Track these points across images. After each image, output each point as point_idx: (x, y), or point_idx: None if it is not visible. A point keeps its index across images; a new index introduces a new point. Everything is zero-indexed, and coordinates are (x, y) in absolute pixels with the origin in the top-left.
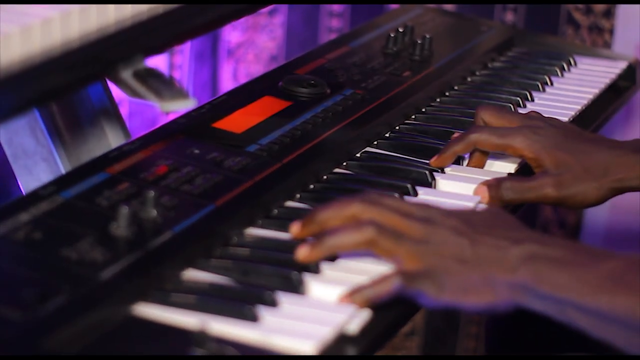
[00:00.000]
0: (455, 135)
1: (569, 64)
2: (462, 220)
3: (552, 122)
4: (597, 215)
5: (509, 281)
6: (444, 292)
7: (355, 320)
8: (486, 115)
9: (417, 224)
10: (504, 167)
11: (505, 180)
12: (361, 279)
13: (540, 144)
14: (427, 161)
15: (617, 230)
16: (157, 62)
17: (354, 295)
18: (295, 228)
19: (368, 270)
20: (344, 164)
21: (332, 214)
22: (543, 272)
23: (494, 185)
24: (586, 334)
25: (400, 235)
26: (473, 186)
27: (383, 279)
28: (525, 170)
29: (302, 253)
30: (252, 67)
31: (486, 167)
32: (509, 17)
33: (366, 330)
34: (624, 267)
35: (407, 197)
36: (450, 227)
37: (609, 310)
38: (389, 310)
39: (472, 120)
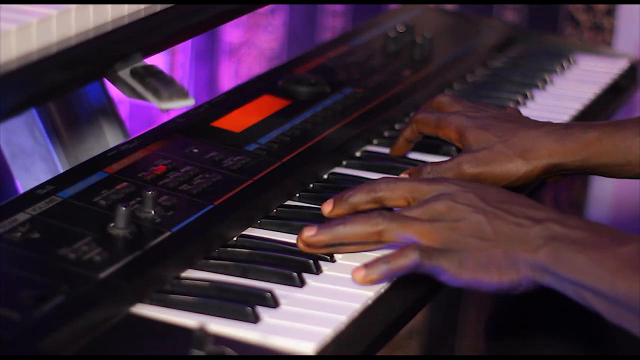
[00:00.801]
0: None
1: (570, 62)
2: (479, 196)
3: (490, 108)
4: (600, 212)
5: (531, 260)
6: (464, 269)
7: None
8: (438, 100)
9: (432, 204)
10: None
11: (424, 166)
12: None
13: (466, 123)
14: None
15: (619, 227)
16: (158, 61)
17: (369, 268)
18: (327, 207)
19: None
20: (344, 163)
21: (363, 197)
22: (562, 253)
23: (416, 172)
24: (602, 319)
25: (411, 217)
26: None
27: (400, 252)
28: None
29: (308, 234)
30: (252, 66)
31: None
32: (509, 16)
33: (366, 330)
34: None
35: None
36: (467, 203)
37: (625, 297)
38: (389, 311)
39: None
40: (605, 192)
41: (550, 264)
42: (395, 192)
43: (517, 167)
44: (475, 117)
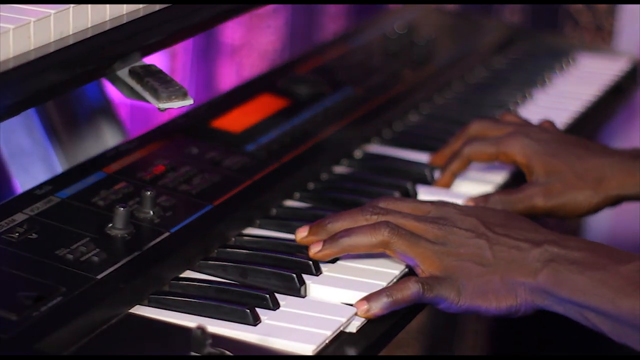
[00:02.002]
0: (447, 150)
1: (570, 62)
2: (479, 220)
3: (545, 127)
4: (599, 224)
5: (530, 284)
6: (462, 296)
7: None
8: (476, 128)
9: (433, 226)
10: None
11: (492, 195)
12: (361, 281)
13: (532, 148)
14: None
15: (619, 240)
16: (157, 61)
17: (371, 302)
18: (301, 233)
19: (367, 272)
20: (344, 163)
21: (345, 224)
22: (563, 275)
23: (482, 200)
24: (607, 338)
25: (416, 236)
26: None
27: (401, 285)
28: (518, 179)
29: (315, 250)
30: (252, 66)
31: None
32: (510, 16)
33: (366, 331)
34: None
35: (420, 197)
36: (468, 227)
37: (629, 315)
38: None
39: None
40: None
41: (550, 286)
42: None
43: (588, 199)
44: (540, 140)
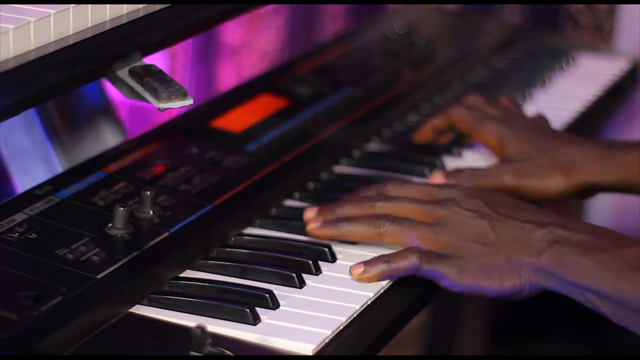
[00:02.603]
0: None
1: (570, 62)
2: (484, 202)
3: (528, 118)
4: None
5: (534, 265)
6: (465, 275)
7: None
8: (472, 100)
9: (436, 207)
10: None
11: (464, 169)
12: (359, 282)
13: (507, 135)
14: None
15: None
16: (157, 61)
17: (367, 265)
18: (310, 213)
19: None
20: (343, 163)
21: (350, 210)
22: (566, 257)
23: (453, 175)
24: (609, 321)
25: (415, 221)
26: None
27: (401, 253)
28: None
29: (313, 225)
30: (252, 66)
31: None
32: (510, 16)
33: (365, 331)
34: None
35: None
36: (472, 208)
37: (630, 299)
38: (389, 312)
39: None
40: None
41: (554, 267)
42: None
43: (557, 183)
44: (516, 127)
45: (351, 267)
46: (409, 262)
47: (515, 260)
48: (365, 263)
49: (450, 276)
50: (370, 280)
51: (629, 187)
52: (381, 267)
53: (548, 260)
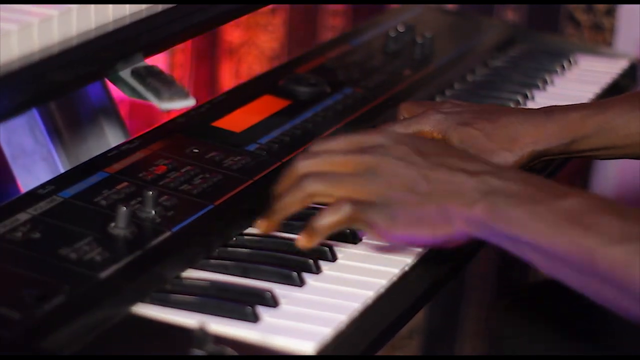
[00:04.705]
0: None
1: (570, 62)
2: (413, 148)
3: (459, 102)
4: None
5: (466, 215)
6: (397, 224)
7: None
8: (405, 110)
9: (363, 156)
10: None
11: None
12: (361, 280)
13: (446, 122)
14: None
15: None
16: (158, 61)
17: (306, 231)
18: (262, 224)
19: (368, 271)
20: None
21: (283, 187)
22: (500, 207)
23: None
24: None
25: (341, 174)
26: None
27: (333, 207)
28: None
29: (261, 227)
30: (252, 66)
31: None
32: (510, 15)
33: (366, 329)
34: (584, 206)
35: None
36: (400, 156)
37: (564, 251)
38: (390, 310)
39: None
40: (607, 186)
41: (487, 218)
42: (334, 157)
43: (504, 160)
44: (452, 113)
45: (296, 241)
46: (342, 214)
47: (447, 209)
48: (305, 231)
49: (383, 225)
50: (317, 240)
51: (576, 152)
52: (319, 225)
53: (481, 211)
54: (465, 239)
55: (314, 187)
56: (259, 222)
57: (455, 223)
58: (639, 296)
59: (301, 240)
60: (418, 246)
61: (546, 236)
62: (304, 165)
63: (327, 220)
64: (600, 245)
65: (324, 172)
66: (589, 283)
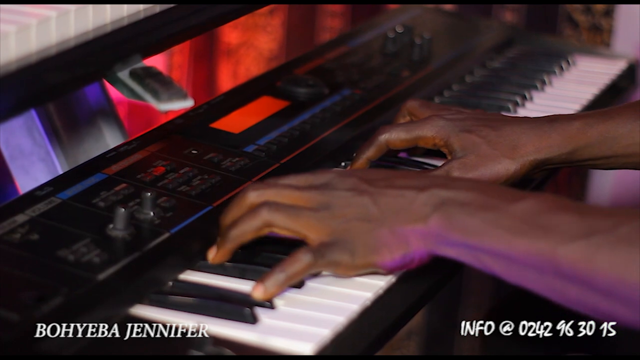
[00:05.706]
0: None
1: (569, 63)
2: (360, 178)
3: (463, 110)
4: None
5: (421, 231)
6: (357, 256)
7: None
8: (410, 109)
9: (315, 193)
10: None
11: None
12: (359, 281)
13: (448, 129)
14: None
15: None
16: (156, 62)
17: (266, 282)
18: (213, 254)
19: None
20: (342, 164)
21: (234, 216)
22: (454, 217)
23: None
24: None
25: (297, 208)
26: None
27: (292, 258)
28: None
29: (211, 256)
30: (251, 67)
31: None
32: (508, 16)
33: (364, 331)
34: (539, 207)
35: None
36: (349, 187)
37: (524, 255)
38: (388, 312)
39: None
40: (604, 191)
41: (442, 230)
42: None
43: (505, 168)
44: (455, 119)
45: (252, 290)
46: (303, 263)
47: (401, 230)
48: (263, 280)
49: (344, 262)
50: (275, 294)
51: (577, 161)
52: (279, 278)
53: (436, 223)
54: (426, 258)
55: (271, 217)
56: (209, 251)
57: (411, 242)
58: (603, 291)
59: (257, 291)
60: (383, 273)
61: (505, 241)
62: (258, 194)
63: (289, 272)
64: (560, 244)
65: (281, 203)
66: (553, 285)
